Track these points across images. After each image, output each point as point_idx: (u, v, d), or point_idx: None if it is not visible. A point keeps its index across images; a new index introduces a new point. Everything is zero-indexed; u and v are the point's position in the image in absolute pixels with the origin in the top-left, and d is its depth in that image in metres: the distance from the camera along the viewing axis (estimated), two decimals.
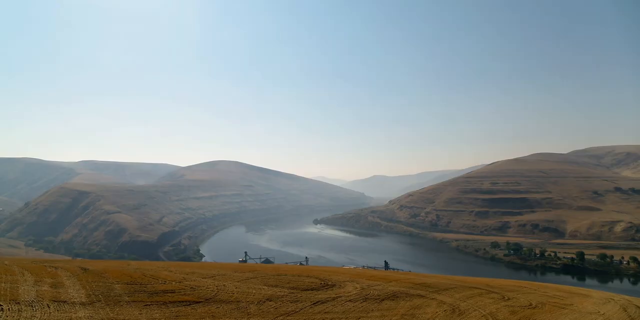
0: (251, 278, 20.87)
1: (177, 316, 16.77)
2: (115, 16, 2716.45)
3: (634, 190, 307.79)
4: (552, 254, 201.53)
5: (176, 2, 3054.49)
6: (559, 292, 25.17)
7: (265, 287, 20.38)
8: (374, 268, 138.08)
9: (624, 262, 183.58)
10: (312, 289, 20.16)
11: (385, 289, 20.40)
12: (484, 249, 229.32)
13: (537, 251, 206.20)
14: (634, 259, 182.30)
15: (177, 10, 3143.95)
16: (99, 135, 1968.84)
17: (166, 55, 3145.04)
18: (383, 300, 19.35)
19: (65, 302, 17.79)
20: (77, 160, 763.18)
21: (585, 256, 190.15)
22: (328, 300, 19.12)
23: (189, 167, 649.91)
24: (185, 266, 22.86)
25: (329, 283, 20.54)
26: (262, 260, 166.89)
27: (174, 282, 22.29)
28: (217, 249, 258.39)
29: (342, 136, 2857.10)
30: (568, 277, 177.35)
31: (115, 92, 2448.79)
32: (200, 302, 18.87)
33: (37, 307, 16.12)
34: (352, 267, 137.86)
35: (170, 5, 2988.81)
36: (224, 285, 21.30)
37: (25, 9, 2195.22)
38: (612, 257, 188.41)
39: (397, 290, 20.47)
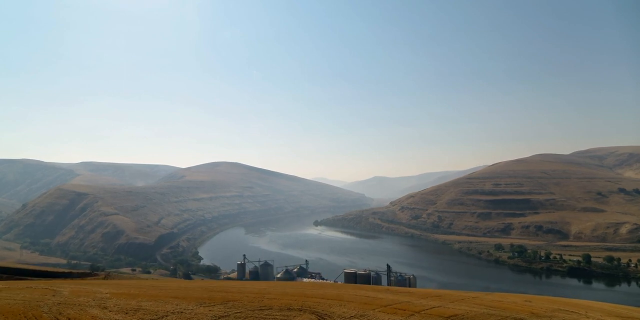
0: (220, 318, 13.55)
1: None
2: (114, 16, 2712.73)
3: (637, 191, 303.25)
4: (558, 256, 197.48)
5: (176, 3, 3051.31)
6: (610, 318, 20.69)
7: None
8: (377, 272, 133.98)
9: (632, 265, 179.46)
10: None
11: None
12: (488, 251, 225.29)
13: (542, 253, 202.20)
14: None
15: (177, 11, 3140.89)
16: (99, 136, 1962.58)
17: (166, 56, 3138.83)
18: None
19: None
20: (76, 161, 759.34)
21: (591, 259, 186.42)
22: None
23: (189, 169, 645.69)
24: (135, 296, 15.43)
25: None
26: (261, 263, 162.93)
27: None
28: (215, 251, 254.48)
29: (342, 136, 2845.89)
30: (574, 280, 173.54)
31: (116, 92, 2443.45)
32: None
33: None
34: (354, 271, 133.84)
35: (170, 6, 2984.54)
36: None
37: (26, 10, 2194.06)
38: (619, 259, 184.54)
39: None
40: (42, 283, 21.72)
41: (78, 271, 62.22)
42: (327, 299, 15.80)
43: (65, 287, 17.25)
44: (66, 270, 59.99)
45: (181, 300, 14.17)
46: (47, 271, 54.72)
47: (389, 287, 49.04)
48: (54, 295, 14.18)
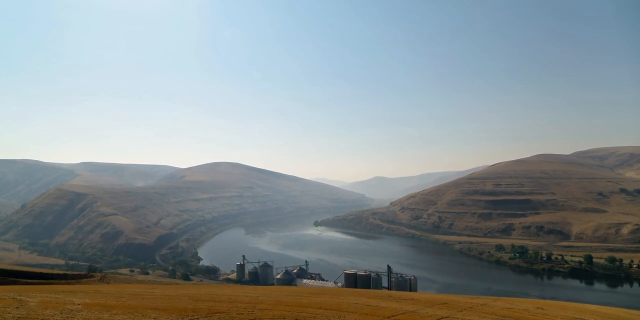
0: None
1: None
2: (114, 16, 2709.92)
3: (639, 192, 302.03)
4: (559, 257, 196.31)
5: (176, 3, 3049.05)
6: None
7: None
8: (377, 273, 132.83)
9: (634, 266, 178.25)
10: None
11: None
12: (489, 252, 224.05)
13: (544, 254, 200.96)
14: None
15: (177, 11, 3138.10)
16: (99, 136, 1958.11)
17: (166, 56, 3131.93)
18: None
19: None
20: (76, 161, 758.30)
21: (593, 259, 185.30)
22: None
23: (189, 169, 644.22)
24: (110, 307, 12.30)
25: None
26: (261, 264, 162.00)
27: None
28: (215, 251, 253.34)
29: (342, 136, 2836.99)
30: (576, 281, 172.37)
31: (116, 92, 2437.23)
32: None
33: None
34: (354, 272, 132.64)
35: (170, 6, 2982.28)
36: None
37: (26, 10, 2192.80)
38: (621, 260, 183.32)
39: None
40: (13, 290, 20.19)
41: (73, 273, 61.10)
42: (325, 308, 14.47)
43: (36, 297, 15.71)
44: (61, 272, 58.82)
45: (161, 312, 12.71)
46: (41, 273, 53.60)
47: (391, 292, 47.82)
48: (17, 307, 12.62)
